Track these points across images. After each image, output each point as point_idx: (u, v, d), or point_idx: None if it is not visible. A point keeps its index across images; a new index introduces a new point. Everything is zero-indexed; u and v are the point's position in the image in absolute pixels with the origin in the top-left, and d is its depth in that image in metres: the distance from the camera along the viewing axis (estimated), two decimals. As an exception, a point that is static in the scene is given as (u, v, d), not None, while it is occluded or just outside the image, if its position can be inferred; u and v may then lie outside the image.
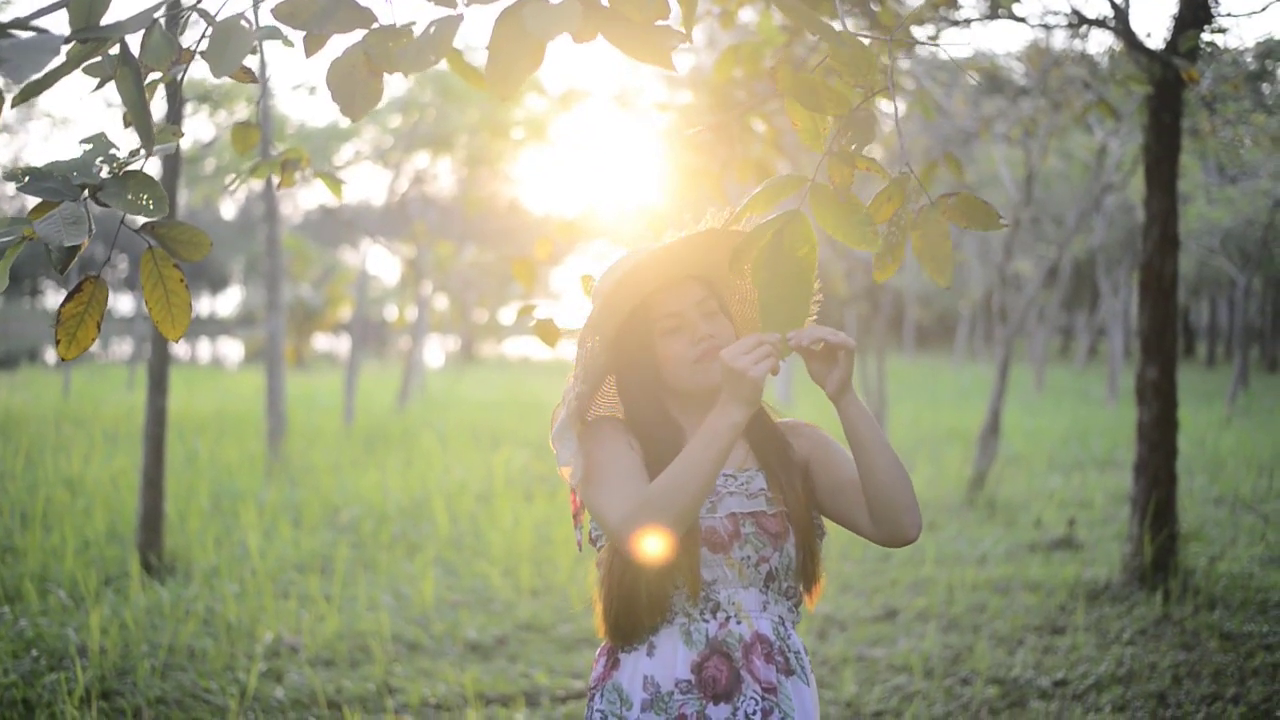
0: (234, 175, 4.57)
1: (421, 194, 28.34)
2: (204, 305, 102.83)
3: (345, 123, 21.54)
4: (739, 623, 2.76)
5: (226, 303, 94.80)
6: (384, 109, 20.95)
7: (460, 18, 2.21)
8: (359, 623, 7.32)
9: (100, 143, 2.86)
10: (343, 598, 7.87)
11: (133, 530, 8.65)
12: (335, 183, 4.55)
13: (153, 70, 2.44)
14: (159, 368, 8.22)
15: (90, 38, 2.33)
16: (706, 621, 2.77)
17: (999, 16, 7.67)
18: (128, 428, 16.06)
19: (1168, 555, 7.97)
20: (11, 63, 2.21)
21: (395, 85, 20.38)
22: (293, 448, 14.82)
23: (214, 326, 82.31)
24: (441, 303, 44.23)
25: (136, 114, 2.45)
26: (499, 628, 7.51)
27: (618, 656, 2.85)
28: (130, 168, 2.75)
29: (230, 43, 2.32)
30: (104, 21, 2.37)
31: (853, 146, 2.62)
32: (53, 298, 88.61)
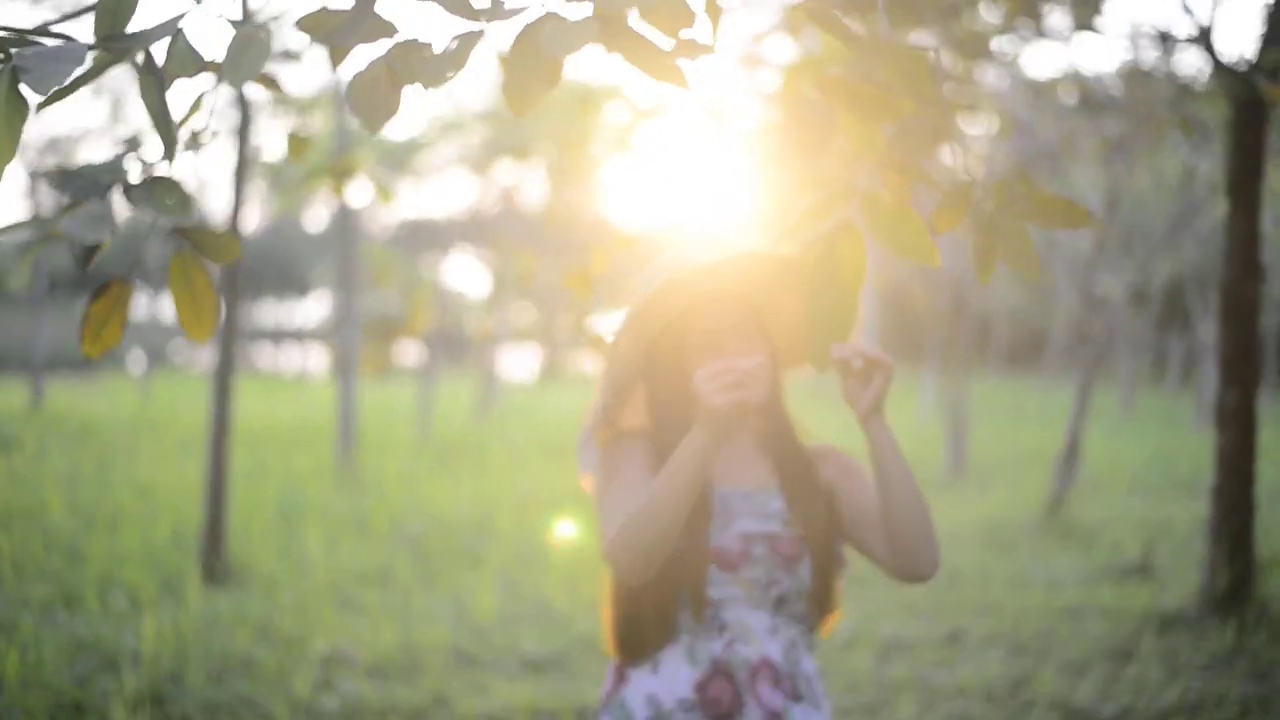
0: (293, 184, 4.56)
1: (507, 206, 28.42)
2: (292, 315, 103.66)
3: (427, 132, 21.66)
4: (746, 644, 2.70)
5: (313, 313, 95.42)
6: (467, 120, 21.03)
7: (481, 33, 2.19)
8: (416, 634, 7.29)
9: (135, 144, 2.85)
10: (401, 609, 7.84)
11: (196, 537, 8.67)
12: (385, 190, 4.52)
13: (177, 78, 2.40)
14: (223, 376, 8.25)
15: (115, 47, 2.30)
16: (711, 640, 2.71)
17: (1083, 29, 7.55)
18: (203, 436, 16.14)
19: (1243, 584, 7.79)
20: (35, 73, 2.19)
21: (478, 98, 20.47)
22: (364, 459, 14.85)
23: (300, 336, 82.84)
24: (527, 316, 44.29)
25: (160, 122, 2.42)
26: (557, 642, 7.44)
27: (626, 672, 2.82)
28: (158, 171, 2.74)
29: (247, 53, 2.28)
30: (129, 29, 2.35)
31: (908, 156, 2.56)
32: (139, 304, 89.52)
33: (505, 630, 7.60)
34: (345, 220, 14.80)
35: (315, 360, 57.61)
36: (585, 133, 19.94)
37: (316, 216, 72.22)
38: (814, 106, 3.01)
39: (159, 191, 2.69)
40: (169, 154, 2.45)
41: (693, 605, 2.69)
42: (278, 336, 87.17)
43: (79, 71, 2.15)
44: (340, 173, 4.36)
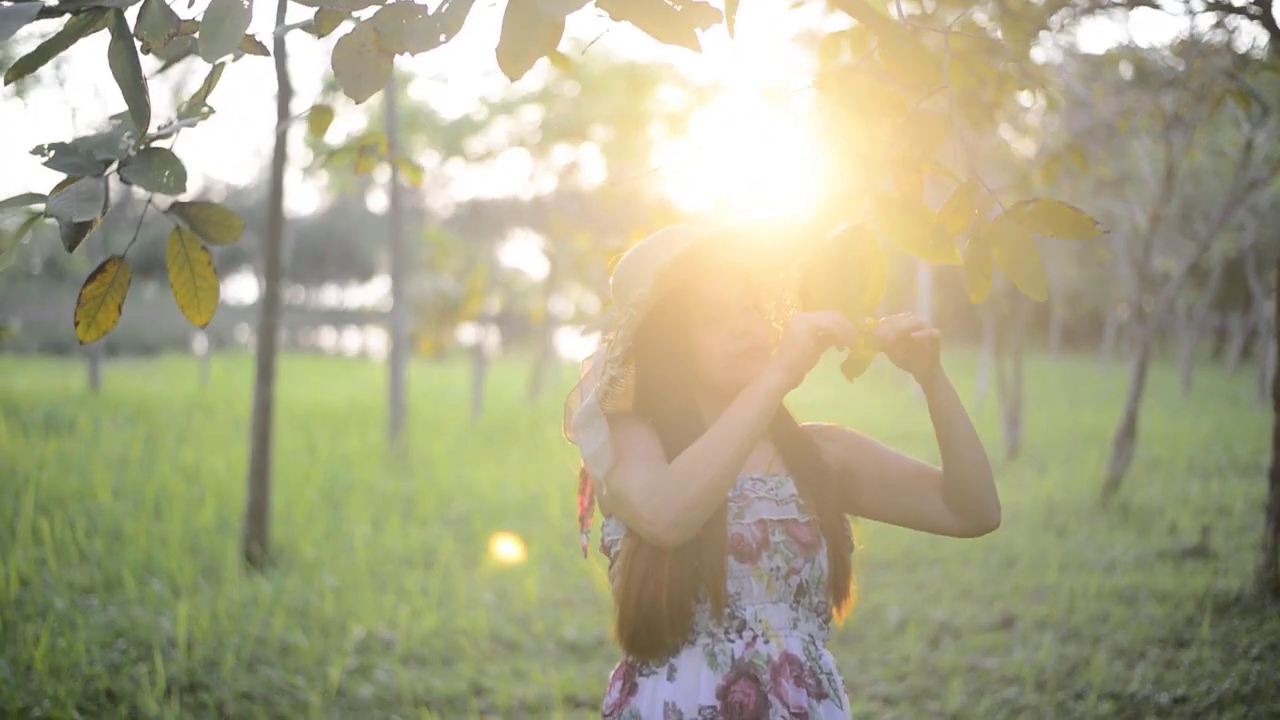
0: (315, 159, 4.46)
1: (565, 187, 28.36)
2: (353, 296, 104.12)
3: (480, 113, 21.61)
4: (766, 642, 2.57)
5: (373, 293, 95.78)
6: (518, 101, 20.95)
7: (477, -6, 2.07)
8: (457, 619, 7.21)
9: (128, 119, 2.74)
10: (442, 593, 7.77)
11: (239, 521, 8.63)
12: (414, 170, 4.42)
13: (151, 43, 2.29)
14: (265, 358, 8.20)
15: (81, 9, 2.20)
16: (732, 641, 2.57)
17: (1140, 3, 7.37)
18: (253, 417, 16.20)
19: (1303, 567, 7.60)
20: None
21: (533, 78, 20.38)
22: (414, 440, 14.80)
23: (361, 317, 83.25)
24: (588, 298, 44.25)
25: (130, 91, 2.32)
26: (599, 628, 7.34)
27: (635, 680, 2.64)
28: (156, 144, 2.64)
29: (225, 22, 2.16)
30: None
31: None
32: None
33: (547, 615, 7.52)
34: (396, 201, 14.71)
35: (375, 342, 57.87)
36: (640, 113, 19.82)
37: (380, 198, 72.53)
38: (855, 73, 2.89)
39: (155, 165, 2.59)
40: (140, 126, 2.34)
41: (711, 599, 2.54)
42: (340, 318, 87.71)
43: (19, 28, 2.04)
44: (364, 149, 4.24)
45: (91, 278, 2.64)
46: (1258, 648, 6.91)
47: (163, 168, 2.57)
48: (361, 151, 4.24)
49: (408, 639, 6.77)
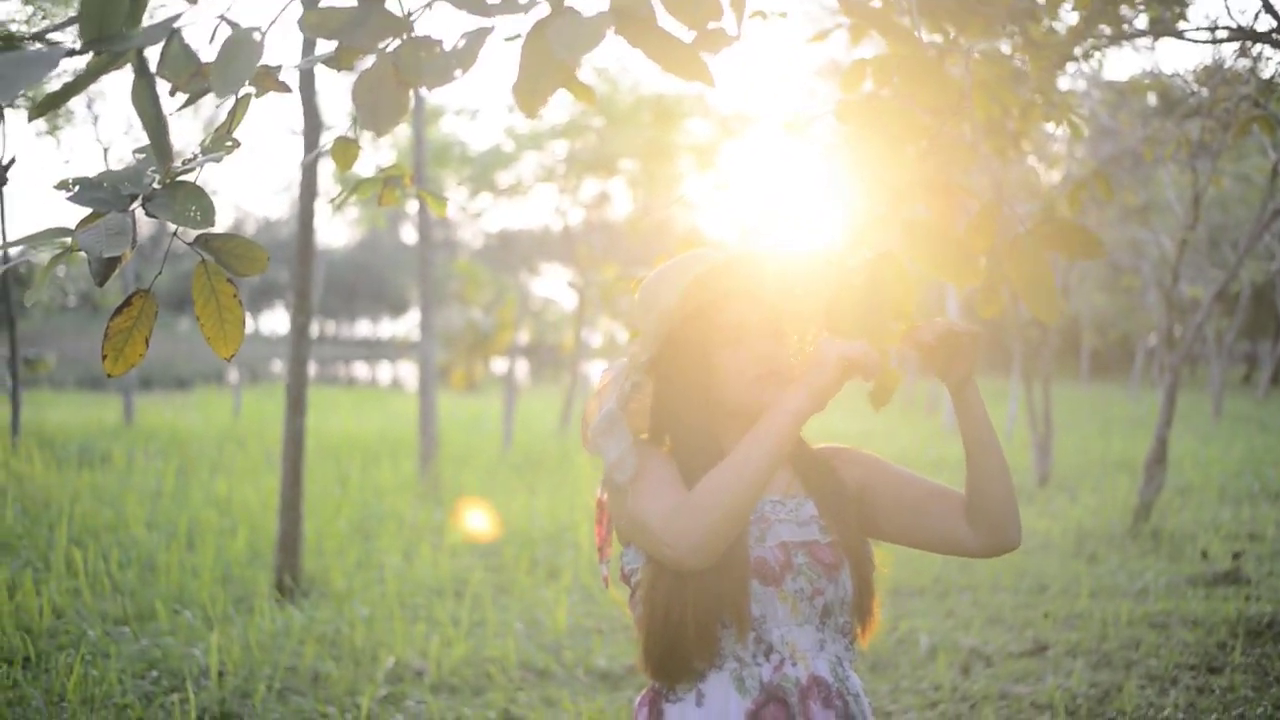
0: (340, 192, 4.47)
1: (592, 218, 28.40)
2: (385, 328, 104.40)
3: (509, 146, 21.66)
4: (794, 664, 2.55)
5: (405, 325, 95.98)
6: (546, 133, 21.00)
7: (490, 29, 2.09)
8: (488, 648, 7.23)
9: (153, 152, 2.77)
10: (472, 622, 7.79)
11: (271, 552, 8.67)
12: (438, 201, 4.45)
13: (173, 82, 2.32)
14: (296, 390, 8.23)
15: (103, 49, 2.23)
16: (760, 665, 2.55)
17: (1164, 34, 7.38)
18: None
19: (1335, 592, 7.57)
20: (5, 78, 2.12)
21: (558, 111, 20.45)
22: (445, 471, 14.81)
23: (393, 349, 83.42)
24: (618, 330, 44.25)
25: (153, 131, 2.34)
26: (630, 656, 7.33)
27: (661, 707, 2.63)
28: (182, 178, 2.67)
29: (237, 59, 2.18)
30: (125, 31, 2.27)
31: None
32: (248, 320, 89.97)
33: (578, 644, 7.52)
34: (425, 233, 14.75)
35: (407, 373, 57.95)
36: (667, 145, 19.84)
37: (411, 232, 72.64)
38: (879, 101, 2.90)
39: (180, 199, 2.62)
40: (162, 168, 2.37)
41: (736, 623, 2.52)
42: (372, 350, 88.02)
43: (49, 74, 2.07)
44: (389, 181, 4.26)
45: (118, 311, 2.67)
46: (1291, 674, 6.89)
47: (188, 202, 2.60)
48: (386, 184, 4.26)
49: (438, 668, 6.78)
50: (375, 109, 2.14)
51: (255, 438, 17.84)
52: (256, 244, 2.81)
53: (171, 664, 6.27)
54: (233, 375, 32.06)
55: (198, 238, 2.77)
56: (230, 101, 2.80)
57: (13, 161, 3.97)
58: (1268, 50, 10.96)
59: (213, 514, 10.01)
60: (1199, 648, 7.53)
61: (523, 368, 42.94)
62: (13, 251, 2.60)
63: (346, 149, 4.22)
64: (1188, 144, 10.88)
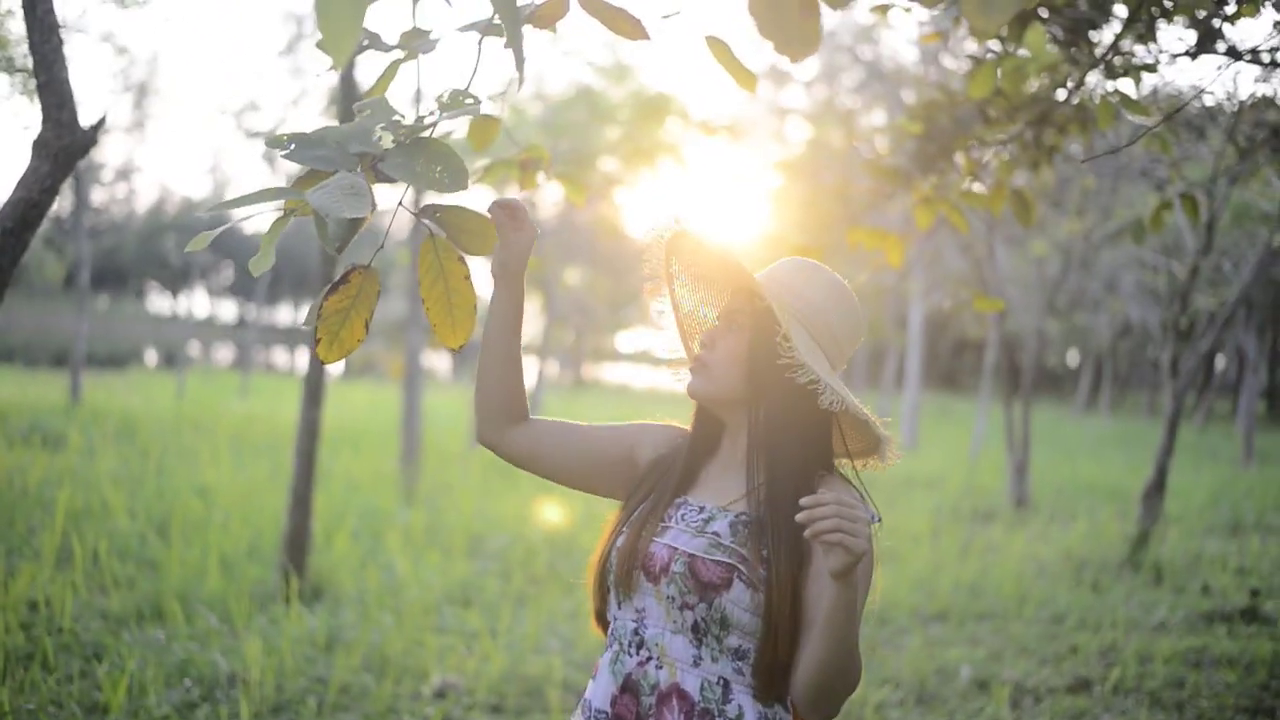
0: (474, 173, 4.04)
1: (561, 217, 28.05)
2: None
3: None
4: (660, 667, 2.48)
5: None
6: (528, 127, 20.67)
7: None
8: (524, 665, 6.84)
9: (381, 108, 2.38)
10: (502, 635, 7.40)
11: (275, 549, 8.24)
12: (576, 187, 4.07)
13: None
14: (315, 379, 7.79)
15: None
16: (630, 656, 2.52)
17: (1184, 55, 7.13)
18: (250, 436, 15.88)
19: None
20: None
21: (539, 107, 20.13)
22: (425, 467, 14.40)
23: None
24: (563, 330, 44.00)
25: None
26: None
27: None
28: (422, 135, 2.29)
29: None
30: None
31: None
32: (156, 300, 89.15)
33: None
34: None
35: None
36: (649, 144, 19.59)
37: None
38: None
39: (427, 158, 2.23)
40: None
41: (612, 591, 2.58)
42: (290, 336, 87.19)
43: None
44: (526, 163, 3.87)
45: (333, 289, 2.29)
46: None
47: (434, 162, 2.23)
48: (523, 166, 3.87)
49: (477, 685, 6.40)
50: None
51: (212, 424, 17.38)
52: (486, 218, 2.44)
53: (200, 670, 5.85)
54: (150, 356, 31.46)
55: (424, 208, 2.39)
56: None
57: (103, 121, 3.57)
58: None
59: (197, 504, 9.56)
60: (1243, 688, 7.31)
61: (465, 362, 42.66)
62: (235, 213, 2.20)
63: (486, 127, 3.79)
64: (1202, 167, 10.70)
